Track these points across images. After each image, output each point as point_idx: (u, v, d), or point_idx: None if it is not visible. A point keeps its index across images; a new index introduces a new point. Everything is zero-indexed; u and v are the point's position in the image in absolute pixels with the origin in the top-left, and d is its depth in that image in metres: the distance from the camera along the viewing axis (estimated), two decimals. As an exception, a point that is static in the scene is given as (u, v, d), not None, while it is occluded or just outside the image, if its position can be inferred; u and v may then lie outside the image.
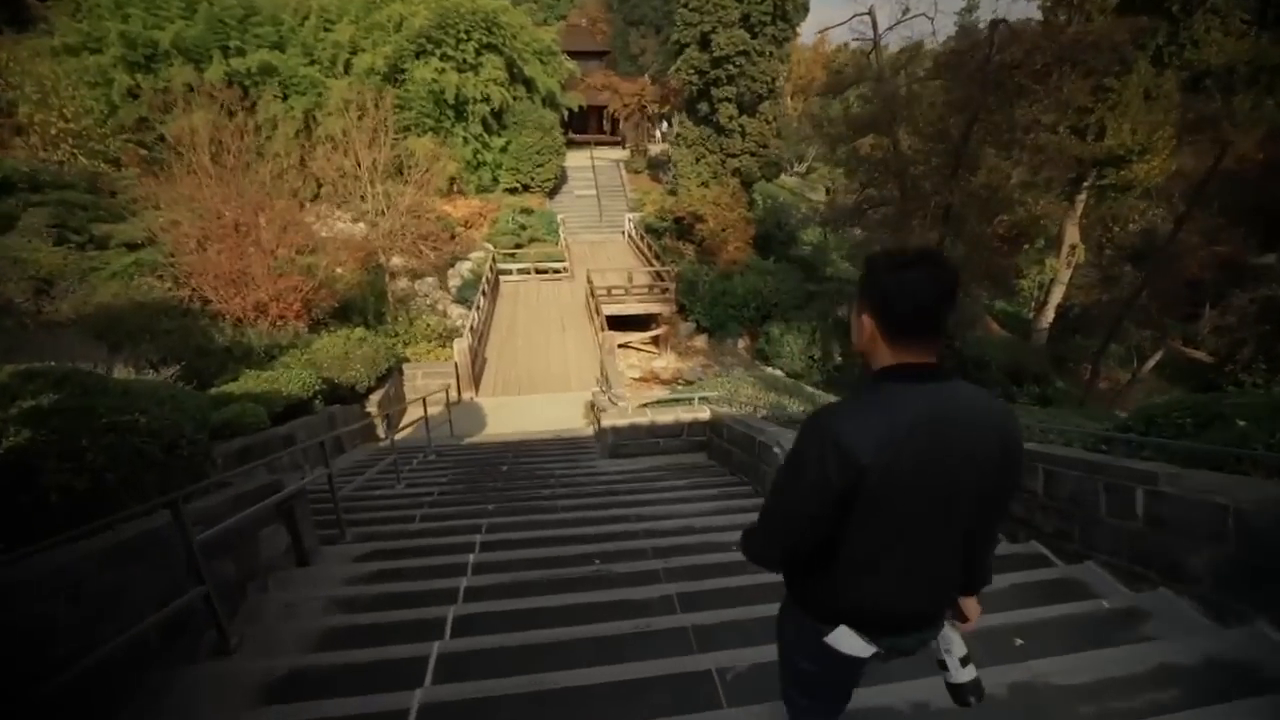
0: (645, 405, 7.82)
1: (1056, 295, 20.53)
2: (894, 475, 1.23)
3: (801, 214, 26.91)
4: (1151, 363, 17.56)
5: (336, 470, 7.43)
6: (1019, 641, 2.92)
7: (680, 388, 17.54)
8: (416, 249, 15.97)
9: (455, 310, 16.76)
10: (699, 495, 5.91)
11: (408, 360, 12.62)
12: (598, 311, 14.80)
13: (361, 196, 14.86)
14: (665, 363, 18.29)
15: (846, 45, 39.22)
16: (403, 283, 16.68)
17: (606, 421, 7.58)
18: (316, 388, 7.89)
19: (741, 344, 20.05)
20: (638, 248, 22.42)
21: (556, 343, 14.87)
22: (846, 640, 1.42)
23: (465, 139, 22.22)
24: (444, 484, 6.66)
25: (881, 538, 1.32)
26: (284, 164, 13.70)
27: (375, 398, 10.14)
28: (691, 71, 20.96)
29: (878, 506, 1.26)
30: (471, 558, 4.19)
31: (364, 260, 15.14)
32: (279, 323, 10.78)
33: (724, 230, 20.76)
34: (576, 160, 28.72)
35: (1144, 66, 16.30)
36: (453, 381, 11.75)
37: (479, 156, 23.46)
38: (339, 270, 14.30)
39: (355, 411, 9.52)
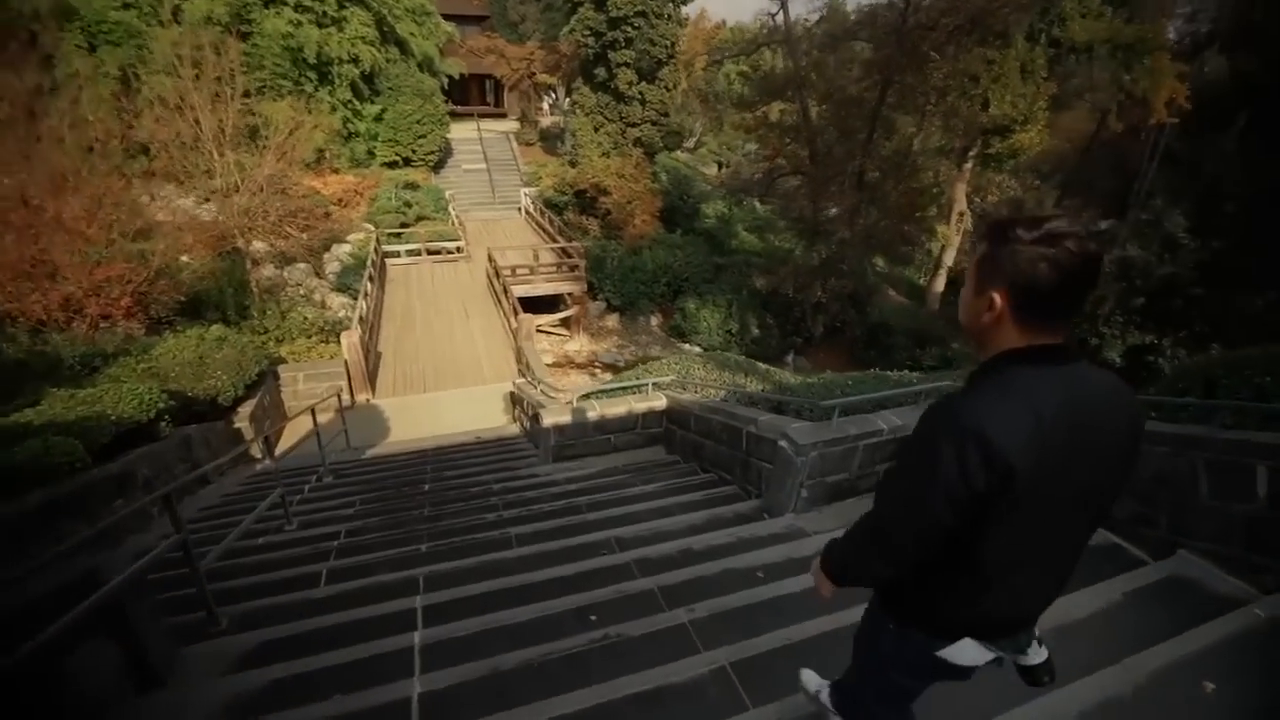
0: (589, 396, 6.72)
1: (948, 260, 21.51)
2: (1041, 473, 1.09)
3: (703, 187, 26.43)
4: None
5: (201, 511, 5.79)
6: (1210, 686, 2.24)
7: (599, 372, 16.54)
8: (282, 230, 13.59)
9: (337, 300, 14.58)
10: (679, 504, 4.94)
11: (284, 361, 10.59)
12: (505, 293, 13.35)
13: (208, 171, 12.31)
14: (579, 345, 17.16)
15: (724, 23, 39.28)
16: (269, 270, 14.22)
17: (548, 419, 6.41)
18: (160, 405, 6.04)
19: (655, 321, 19.31)
20: (537, 224, 20.91)
21: (461, 331, 13.26)
22: (968, 652, 1.32)
23: (333, 105, 19.49)
24: (351, 517, 5.22)
25: (1022, 541, 1.18)
26: (95, 131, 10.92)
27: (246, 410, 8.24)
28: (587, 33, 19.60)
29: (1020, 508, 1.12)
30: (416, 638, 2.96)
31: (217, 245, 12.63)
32: (102, 324, 8.49)
33: (630, 203, 19.78)
34: (462, 132, 26.44)
35: (1019, 41, 17.09)
36: (344, 383, 9.95)
37: (350, 126, 20.77)
38: (185, 258, 11.80)
39: (220, 430, 7.64)
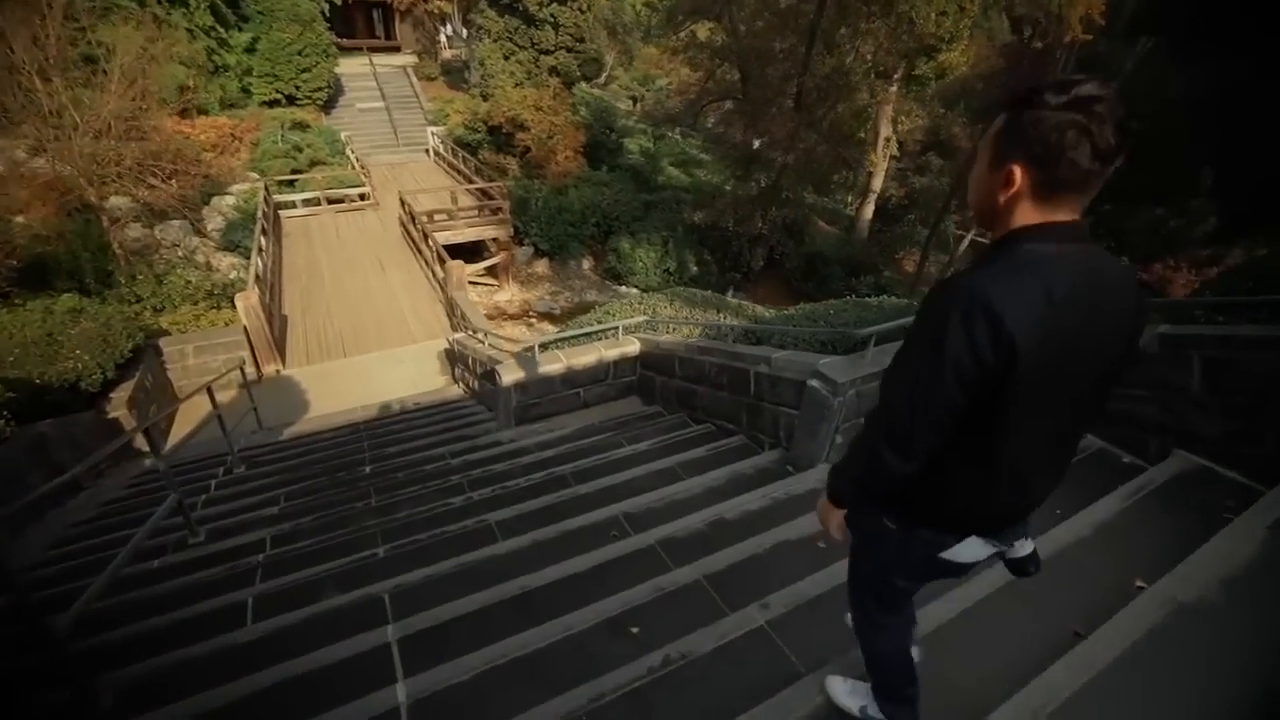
0: (551, 345, 5.80)
1: (875, 187, 21.44)
2: (1050, 352, 1.05)
3: (624, 120, 25.00)
4: (965, 243, 19.08)
5: (71, 528, 4.52)
6: None
7: (535, 322, 15.44)
8: (145, 180, 11.42)
9: (225, 260, 12.62)
10: (684, 463, 4.22)
11: (166, 333, 8.93)
12: (426, 240, 11.90)
13: (36, 110, 9.96)
14: (509, 295, 15.96)
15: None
16: (136, 230, 12.02)
17: (507, 376, 5.46)
18: (-5, 399, 4.65)
19: (587, 265, 18.28)
20: (450, 165, 19.04)
21: (379, 286, 11.77)
22: (972, 548, 1.30)
23: (191, 31, 16.54)
24: (277, 518, 4.17)
25: (1031, 425, 1.14)
26: None
27: (122, 394, 6.77)
28: (487, -57, 17.43)
29: (1029, 387, 1.08)
30: (400, 695, 2.13)
31: (61, 201, 10.42)
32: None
33: (551, 138, 18.26)
34: (353, 68, 23.57)
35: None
36: (246, 353, 8.49)
37: (217, 58, 17.83)
38: (19, 219, 9.65)
39: (89, 423, 6.20)
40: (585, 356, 5.67)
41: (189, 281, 10.42)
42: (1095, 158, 1.01)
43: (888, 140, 20.58)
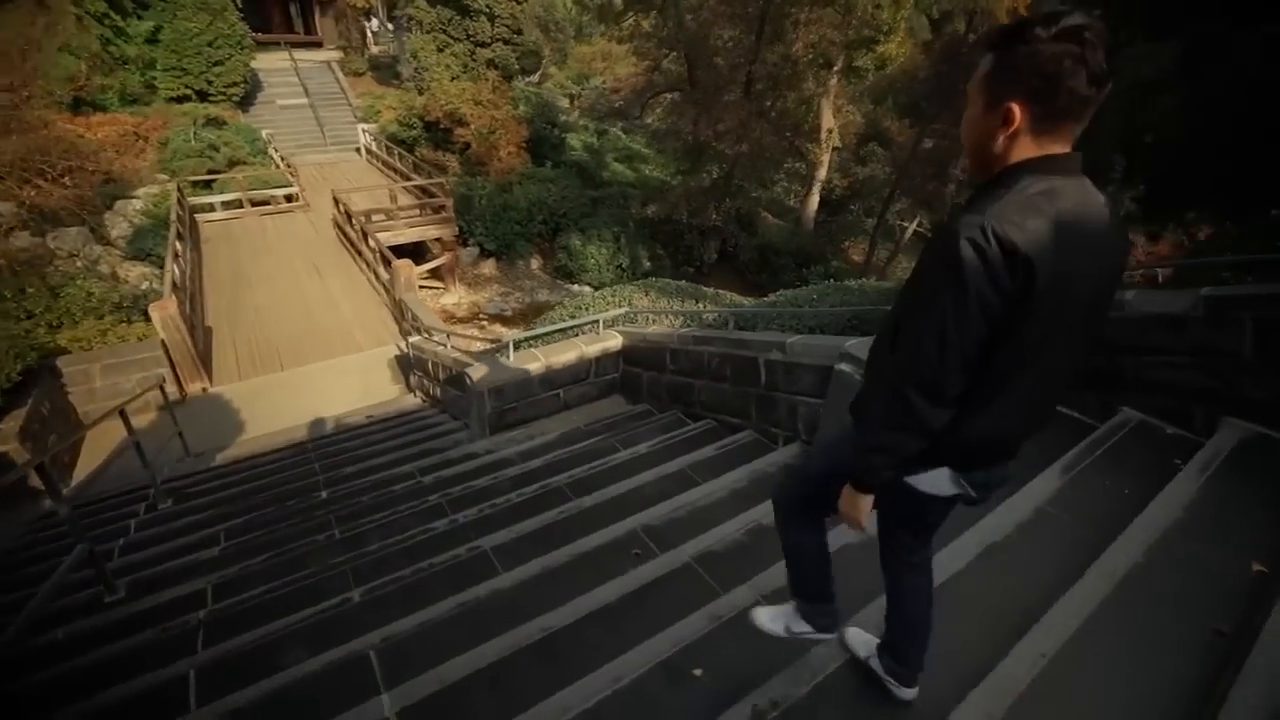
0: (525, 344, 5.24)
1: (820, 178, 21.63)
2: (1055, 278, 1.05)
3: (566, 116, 24.40)
4: (910, 231, 19.45)
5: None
6: None
7: (486, 324, 14.69)
8: (29, 181, 10.09)
9: (135, 270, 11.34)
10: (694, 465, 3.78)
11: (66, 352, 7.82)
12: (366, 242, 11.02)
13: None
14: (456, 298, 15.16)
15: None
16: (23, 239, 10.63)
17: (479, 379, 4.87)
18: None
19: (535, 264, 17.67)
20: (385, 164, 17.99)
21: (316, 292, 10.82)
22: (938, 482, 1.29)
23: (80, 18, 14.92)
24: (218, 562, 3.47)
25: (1025, 354, 1.13)
26: None
27: (10, 425, 5.78)
28: (416, -71, 16.52)
29: (1040, 320, 1.08)
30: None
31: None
32: None
33: (492, 133, 17.51)
34: (271, 63, 22.03)
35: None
36: (166, 370, 7.51)
37: (114, 49, 16.20)
38: None
39: (-31, 460, 5.22)
40: (565, 354, 5.15)
41: (91, 294, 9.22)
42: (1091, 83, 1.02)
43: (830, 131, 20.78)
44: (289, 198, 15.10)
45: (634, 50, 15.63)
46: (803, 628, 1.80)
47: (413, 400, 7.42)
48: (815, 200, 22.31)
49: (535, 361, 5.02)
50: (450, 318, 14.04)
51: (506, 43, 19.05)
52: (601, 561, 2.82)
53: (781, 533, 1.70)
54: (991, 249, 1.02)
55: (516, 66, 19.95)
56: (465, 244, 16.59)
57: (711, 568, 2.60)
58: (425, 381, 7.00)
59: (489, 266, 17.00)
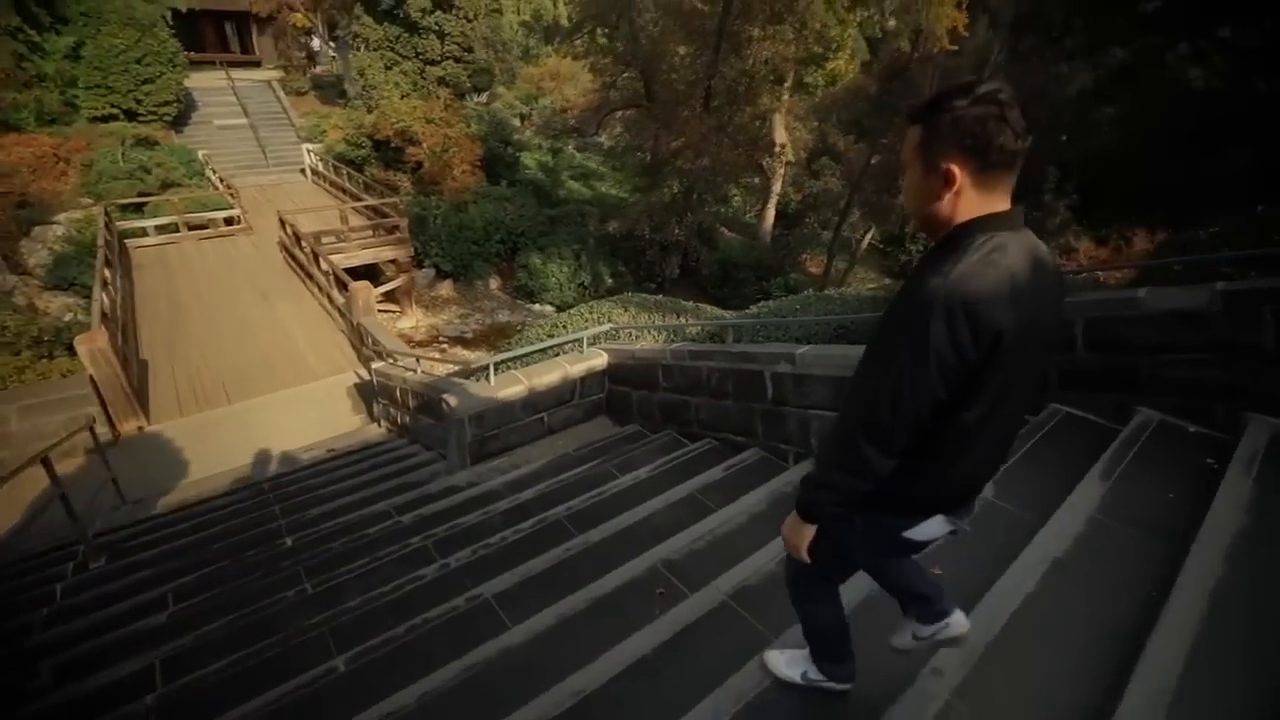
0: (505, 364, 4.89)
1: (775, 192, 21.93)
2: (1018, 334, 1.10)
3: (520, 134, 24.10)
4: (865, 242, 19.84)
5: None
6: None
7: (447, 348, 14.14)
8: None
9: (56, 301, 10.44)
10: (702, 488, 3.50)
11: (-24, 394, 7.00)
12: (317, 264, 10.43)
13: None
14: (414, 321, 14.58)
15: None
16: (-76, 270, 9.64)
17: (459, 405, 4.49)
18: None
19: (494, 284, 17.25)
20: (333, 184, 17.30)
21: (264, 319, 10.14)
22: (934, 527, 1.35)
23: (-10, 32, 13.88)
24: (166, 632, 2.98)
25: (992, 404, 1.18)
26: None
27: (-89, 479, 5.03)
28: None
29: (1000, 369, 1.13)
30: None
31: None
32: None
33: (445, 151, 17.07)
34: (206, 82, 21.05)
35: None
36: (96, 409, 6.78)
37: (30, 65, 15.13)
38: None
39: None
40: (548, 375, 4.82)
41: (5, 327, 8.36)
42: (1016, 137, 1.08)
43: (783, 146, 21.14)
44: (230, 221, 14.27)
45: (590, 67, 15.51)
46: (819, 676, 1.77)
47: (377, 430, 6.92)
48: (771, 214, 22.61)
49: (517, 384, 4.67)
50: (408, 342, 13.44)
51: (457, 60, 18.75)
52: (624, 605, 2.51)
53: (793, 603, 1.69)
54: (958, 321, 1.06)
55: (468, 84, 19.64)
56: (420, 265, 16.06)
57: (751, 605, 2.33)
58: (392, 410, 6.52)
59: (446, 288, 16.48)
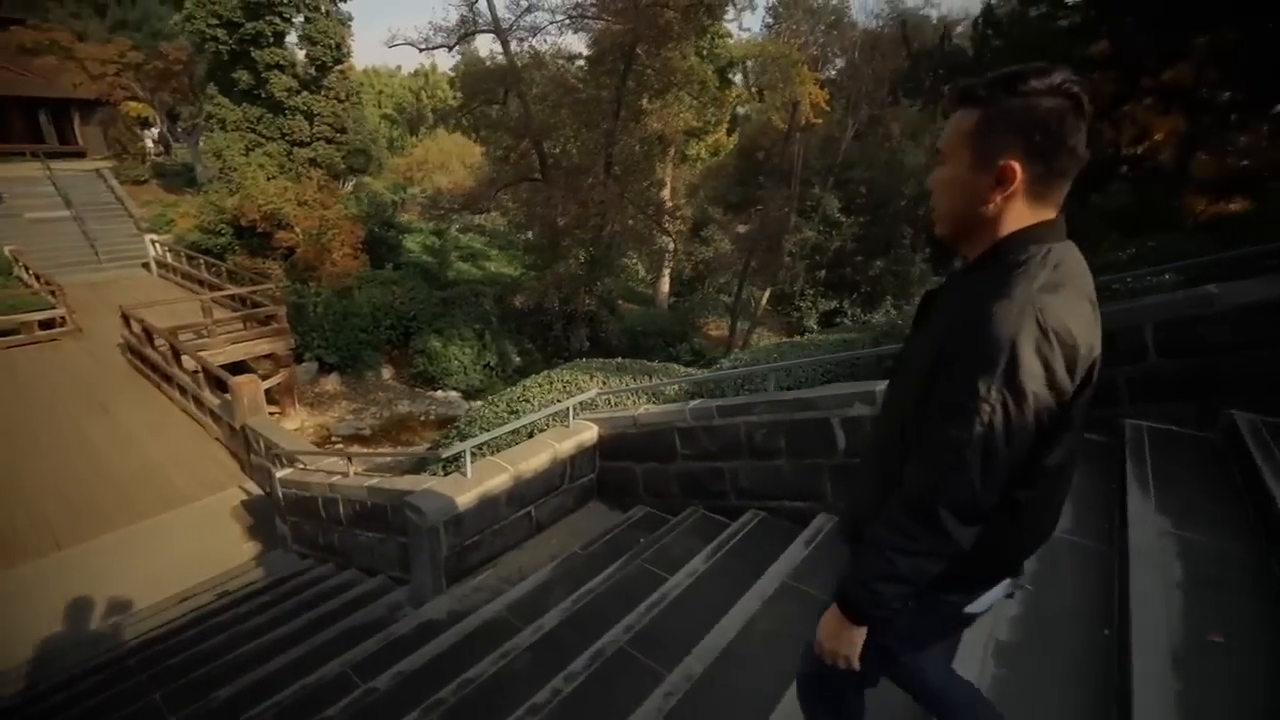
0: (481, 449, 3.86)
1: (669, 263, 22.34)
2: (1097, 358, 1.00)
3: (400, 216, 22.95)
4: (764, 301, 20.49)
5: None
6: None
7: (339, 444, 12.31)
8: None
9: None
10: (794, 574, 2.73)
11: None
12: (178, 363, 8.63)
13: None
14: (298, 422, 12.66)
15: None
16: None
17: (432, 511, 3.39)
18: None
19: (388, 373, 15.67)
20: (185, 275, 15.14)
21: (104, 434, 8.08)
22: (996, 592, 1.16)
23: None
24: None
25: (1073, 441, 1.04)
26: None
27: None
28: (214, 23, 14.87)
29: (1080, 401, 1.00)
30: None
31: None
32: None
33: (323, 234, 15.61)
34: (14, 172, 18.19)
35: (691, 51, 18.46)
36: None
37: None
38: None
39: None
40: (535, 458, 3.87)
41: None
42: (1085, 145, 0.96)
43: (677, 209, 21.71)
44: (49, 323, 11.79)
45: (481, 142, 15.01)
46: None
47: (287, 558, 5.39)
48: (667, 282, 22.97)
49: (500, 473, 3.68)
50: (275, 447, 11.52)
51: (330, 141, 17.61)
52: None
53: (810, 713, 1.45)
54: (1054, 352, 0.92)
55: (343, 166, 18.44)
56: (301, 359, 14.23)
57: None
58: (307, 528, 5.10)
59: (333, 382, 14.68)
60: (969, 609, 1.15)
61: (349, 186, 28.07)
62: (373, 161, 24.97)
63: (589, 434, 4.24)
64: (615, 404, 4.91)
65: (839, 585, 1.11)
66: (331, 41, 16.28)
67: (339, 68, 16.99)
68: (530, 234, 16.40)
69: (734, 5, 15.14)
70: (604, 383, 5.36)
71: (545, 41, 13.45)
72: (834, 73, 21.23)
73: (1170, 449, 2.98)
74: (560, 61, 14.15)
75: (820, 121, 20.46)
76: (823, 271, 22.52)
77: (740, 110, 23.87)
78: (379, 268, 17.90)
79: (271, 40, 15.32)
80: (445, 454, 3.52)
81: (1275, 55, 5.91)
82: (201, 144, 17.70)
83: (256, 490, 7.00)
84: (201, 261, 14.60)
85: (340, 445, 12.20)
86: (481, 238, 27.64)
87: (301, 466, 5.29)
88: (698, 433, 3.75)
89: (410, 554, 3.55)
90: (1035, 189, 0.98)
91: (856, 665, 1.12)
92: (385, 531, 3.98)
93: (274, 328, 12.13)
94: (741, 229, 22.74)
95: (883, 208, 22.74)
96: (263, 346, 11.96)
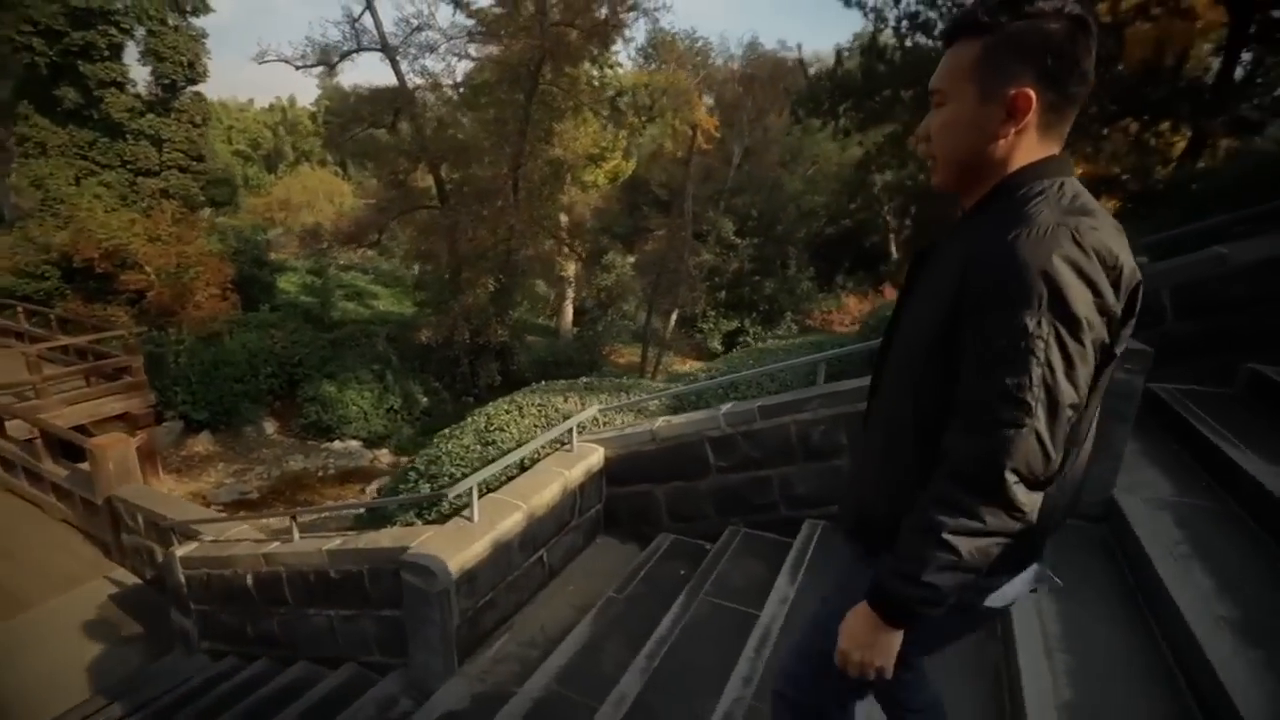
0: (469, 493, 3.11)
1: (571, 292, 21.89)
2: (1134, 283, 0.88)
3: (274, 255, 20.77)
4: (671, 324, 20.51)
5: None
6: None
7: (220, 511, 10.44)
8: None
9: None
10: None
11: None
12: (1, 430, 6.84)
13: None
14: (165, 490, 10.62)
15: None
16: None
17: (439, 566, 2.63)
18: None
19: (271, 427, 13.81)
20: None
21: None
22: (1019, 586, 1.04)
23: None
24: None
25: (1093, 388, 0.90)
26: None
27: None
28: (27, 30, 12.67)
29: (1120, 337, 0.90)
30: None
31: None
32: None
33: (183, 272, 13.57)
34: None
35: (595, 71, 18.37)
36: None
37: None
38: None
39: None
40: (546, 490, 3.18)
41: None
42: (1093, 68, 0.90)
43: (579, 237, 21.35)
44: None
45: (364, 171, 13.79)
46: None
47: (193, 662, 4.16)
48: (570, 311, 22.46)
49: (512, 513, 2.96)
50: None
51: (185, 170, 15.54)
52: None
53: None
54: (1092, 263, 0.81)
55: (201, 197, 16.32)
56: (161, 419, 12.17)
57: None
58: (227, 617, 3.94)
59: (204, 442, 12.68)
60: (989, 602, 1.02)
61: (204, 215, 25.09)
62: (237, 193, 22.53)
63: (595, 457, 3.62)
64: (605, 423, 4.33)
65: (877, 584, 0.96)
66: (183, 59, 14.44)
67: (193, 89, 15.10)
68: (424, 267, 15.26)
69: (622, 38, 15.36)
70: (581, 400, 4.75)
71: (443, 61, 12.58)
72: (713, 102, 22.12)
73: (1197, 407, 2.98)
74: (453, 82, 13.43)
75: (710, 148, 21.13)
76: (723, 293, 23.05)
77: (633, 139, 24.21)
78: (252, 310, 15.93)
79: (106, 54, 13.30)
80: (452, 492, 2.76)
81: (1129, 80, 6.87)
82: (13, 174, 14.91)
83: (131, 579, 5.57)
84: (18, 310, 12.08)
85: (222, 511, 10.39)
86: (365, 275, 25.69)
87: (210, 539, 4.16)
88: (735, 440, 3.29)
89: (408, 629, 2.74)
90: (1047, 118, 0.90)
91: (890, 674, 1.00)
92: (358, 606, 3.10)
93: (126, 382, 10.20)
94: (630, 259, 22.86)
95: (772, 229, 23.87)
96: (113, 405, 9.97)
